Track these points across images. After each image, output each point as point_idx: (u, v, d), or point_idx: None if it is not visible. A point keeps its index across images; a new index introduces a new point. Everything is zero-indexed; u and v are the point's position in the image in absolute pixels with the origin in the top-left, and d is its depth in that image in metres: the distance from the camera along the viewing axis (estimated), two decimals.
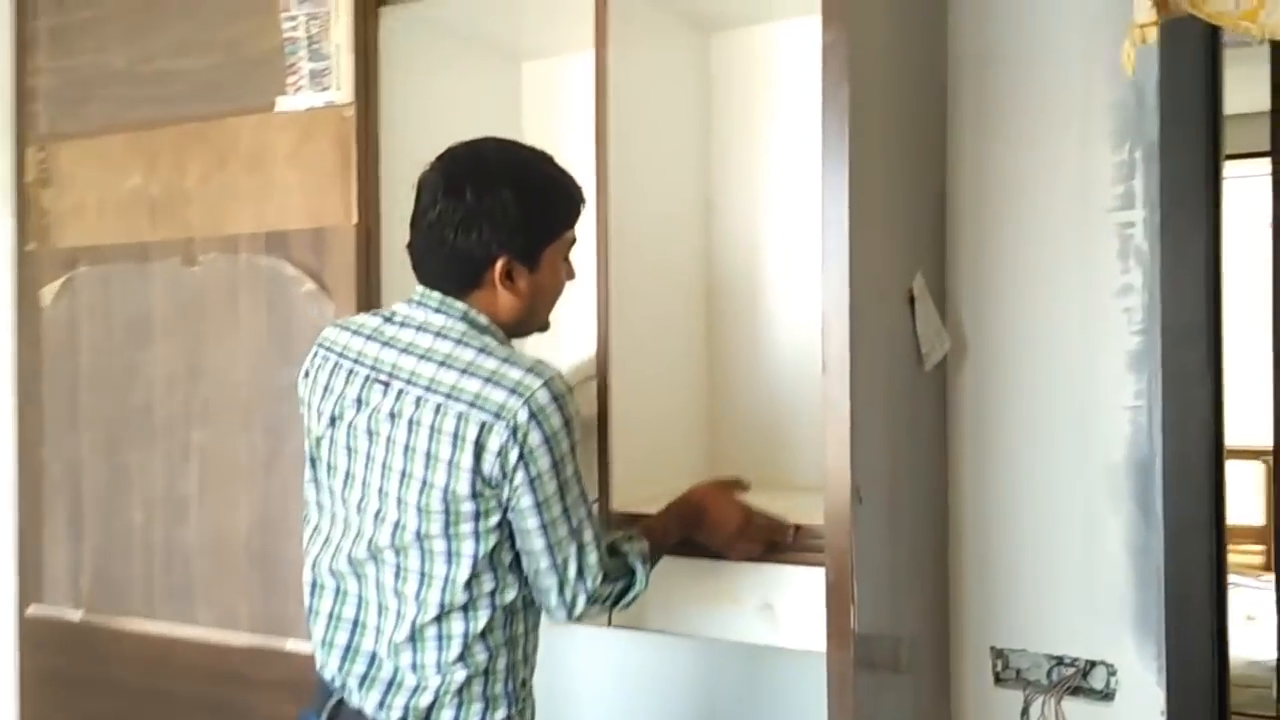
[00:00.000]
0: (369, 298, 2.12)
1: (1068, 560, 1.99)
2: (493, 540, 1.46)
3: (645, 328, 2.06)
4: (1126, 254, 1.95)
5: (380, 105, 2.14)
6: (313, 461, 1.60)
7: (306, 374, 1.64)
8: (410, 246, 1.59)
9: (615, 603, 1.63)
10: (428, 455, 1.44)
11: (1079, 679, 1.98)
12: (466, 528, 1.44)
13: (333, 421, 1.55)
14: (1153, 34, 1.53)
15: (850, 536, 1.62)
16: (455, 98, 2.34)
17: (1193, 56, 1.89)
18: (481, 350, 1.49)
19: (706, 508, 1.77)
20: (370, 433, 1.50)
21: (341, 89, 2.12)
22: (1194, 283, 1.89)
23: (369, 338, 1.57)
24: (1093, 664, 1.97)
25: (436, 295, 1.55)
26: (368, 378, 1.53)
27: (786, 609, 1.82)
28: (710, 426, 2.31)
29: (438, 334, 1.52)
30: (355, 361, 1.56)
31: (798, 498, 1.95)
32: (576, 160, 2.32)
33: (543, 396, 1.44)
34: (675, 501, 1.78)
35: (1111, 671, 1.96)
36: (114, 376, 2.43)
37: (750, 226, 2.28)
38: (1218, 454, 1.89)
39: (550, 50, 2.45)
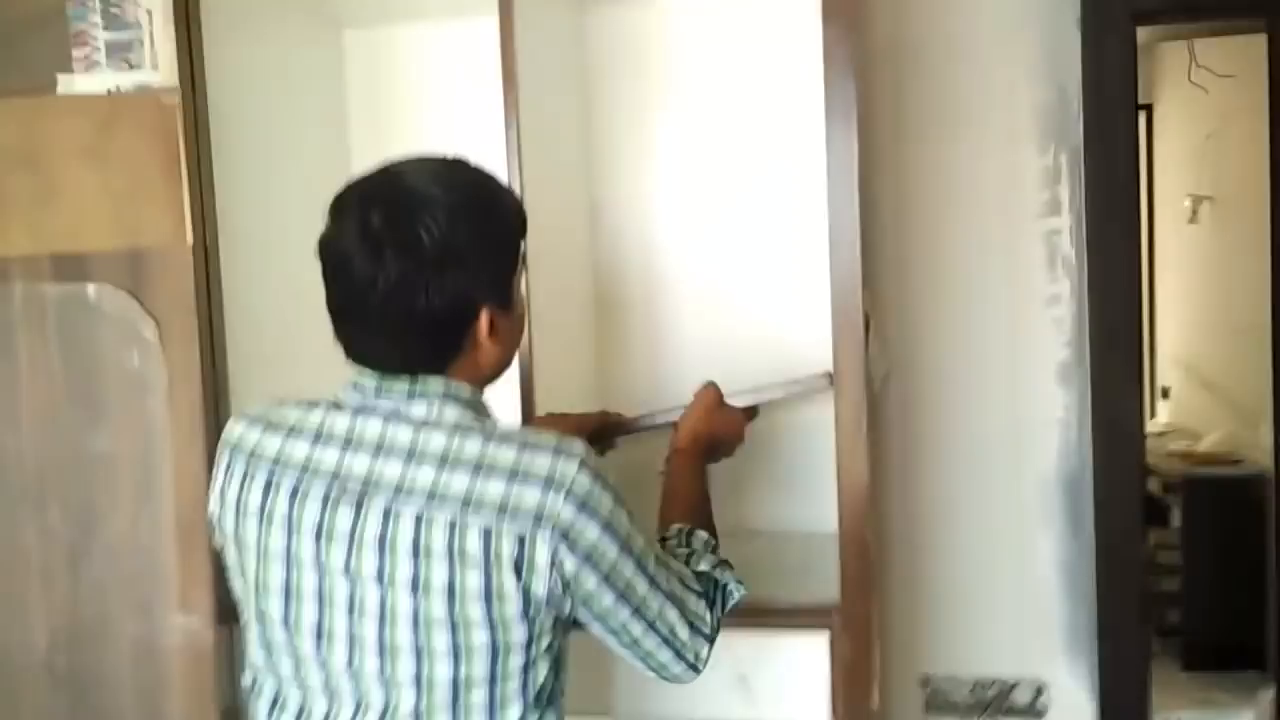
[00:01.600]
0: (214, 339, 1.69)
1: (999, 580, 1.95)
2: (543, 670, 1.16)
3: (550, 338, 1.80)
4: (1054, 262, 1.91)
5: (208, 88, 1.69)
6: (259, 614, 1.21)
7: (220, 493, 1.21)
8: (344, 333, 1.19)
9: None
10: (450, 590, 1.09)
11: (1009, 700, 1.96)
12: (515, 663, 1.13)
13: (286, 561, 1.16)
14: None
15: (875, 606, 1.47)
16: (281, 75, 1.91)
17: (1118, 55, 1.85)
18: (488, 437, 1.13)
19: (716, 435, 1.56)
20: (349, 573, 1.12)
21: (159, 68, 1.65)
22: (1122, 292, 1.89)
23: (316, 439, 1.17)
24: (1024, 684, 1.96)
25: (403, 378, 1.16)
26: (328, 496, 1.13)
27: (763, 682, 1.65)
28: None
29: (421, 425, 1.14)
30: (302, 472, 1.15)
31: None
32: (413, 139, 2.04)
33: (584, 481, 1.12)
34: (682, 453, 1.52)
35: (1043, 689, 1.95)
36: None
37: (640, 226, 2.03)
38: (1143, 467, 1.91)
39: (374, 19, 2.06)
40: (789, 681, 1.61)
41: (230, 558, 1.21)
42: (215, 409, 1.70)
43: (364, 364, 1.18)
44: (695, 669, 1.27)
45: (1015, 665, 1.97)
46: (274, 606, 1.16)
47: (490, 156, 1.91)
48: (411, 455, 1.12)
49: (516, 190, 1.65)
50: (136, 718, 1.75)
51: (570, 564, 1.10)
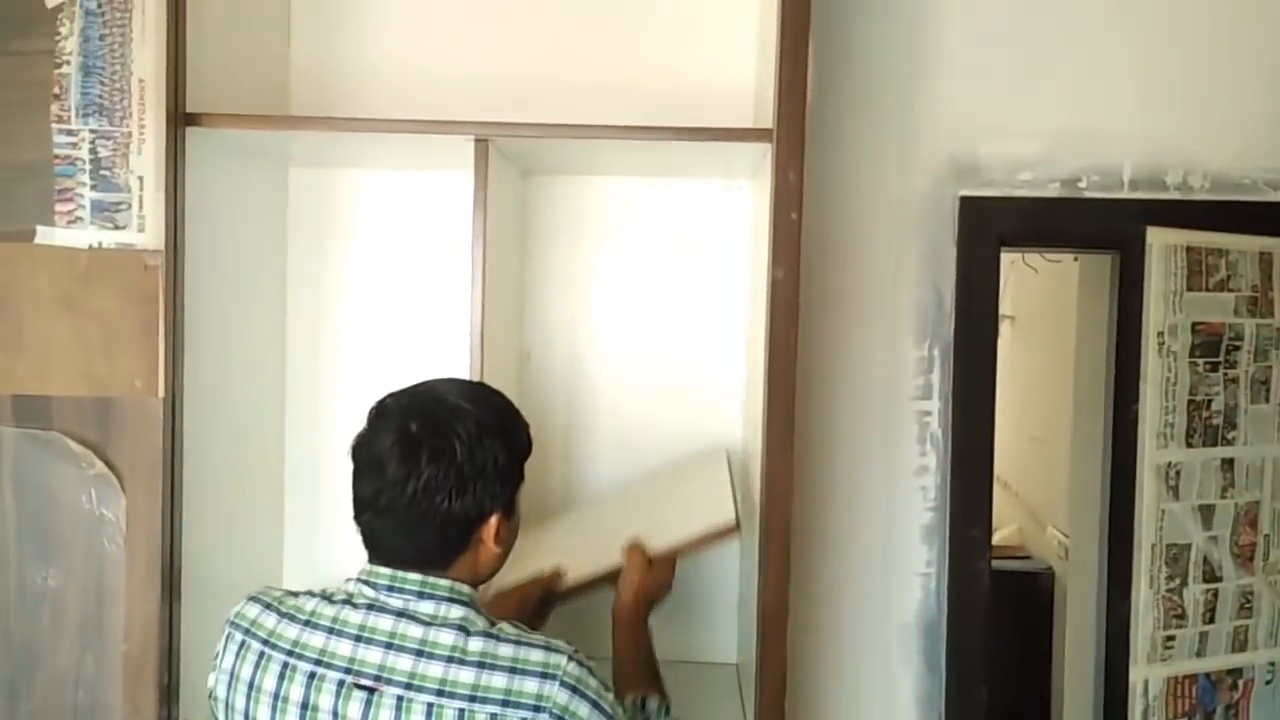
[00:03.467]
0: (174, 489, 1.77)
1: (867, 711, 2.22)
2: None
3: None
4: (924, 439, 2.21)
5: (185, 248, 1.78)
6: None
7: (230, 672, 1.34)
8: (368, 524, 1.36)
9: None
10: None
11: None
12: None
13: None
14: None
15: None
16: (244, 221, 2.01)
17: (985, 271, 2.18)
18: (488, 635, 1.32)
19: (650, 594, 1.72)
20: None
21: (146, 231, 1.73)
22: (978, 466, 2.20)
23: (331, 631, 1.31)
24: None
25: (414, 576, 1.34)
26: (342, 683, 1.28)
27: None
28: None
29: (429, 623, 1.31)
30: (317, 663, 1.29)
31: None
32: (352, 279, 2.18)
33: (573, 669, 1.31)
34: (624, 625, 1.69)
35: None
36: None
37: (565, 378, 2.22)
38: (988, 618, 2.22)
39: (322, 161, 2.18)
40: None
41: None
42: (171, 551, 1.78)
43: (377, 551, 1.36)
44: None
45: None
46: None
47: (427, 302, 2.12)
48: (422, 651, 1.29)
49: (473, 341, 1.84)
50: None
51: None
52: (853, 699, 2.22)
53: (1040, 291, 4.59)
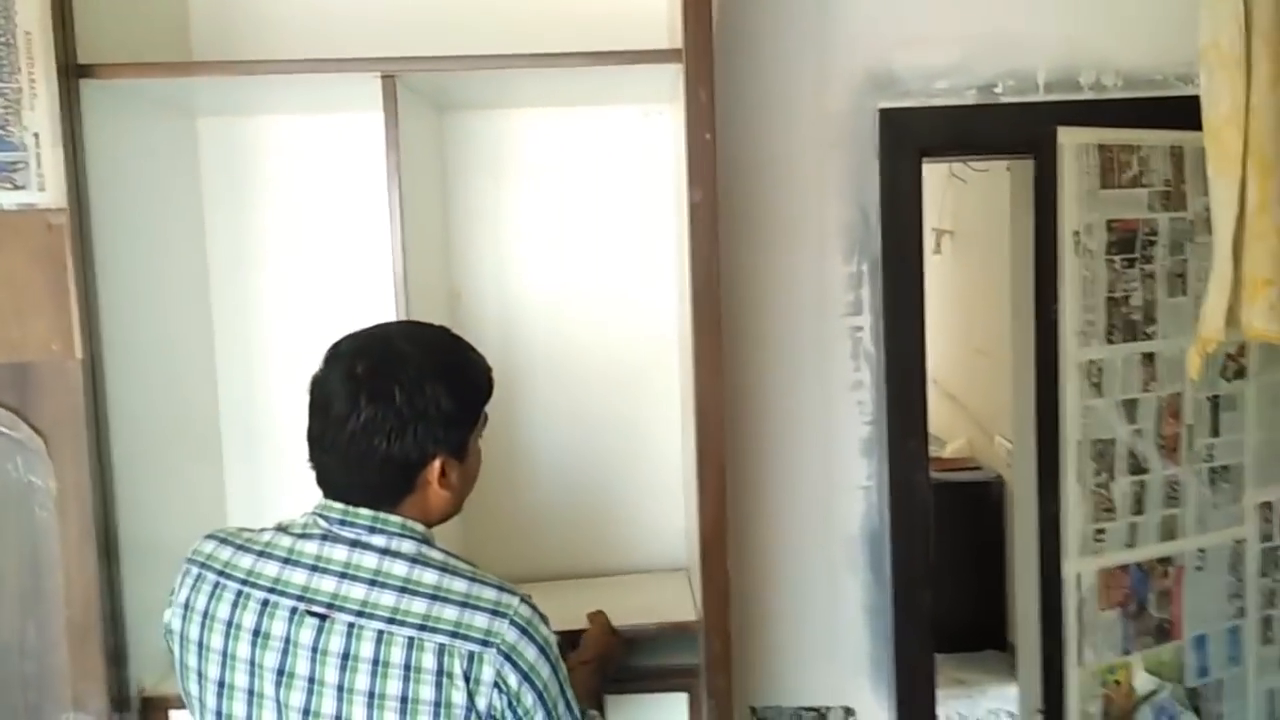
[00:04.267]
0: (101, 450, 1.75)
1: (815, 622, 2.26)
2: None
3: None
4: (858, 354, 2.23)
5: (91, 205, 1.74)
6: (216, 714, 1.31)
7: (185, 604, 1.34)
8: (318, 461, 1.36)
9: None
10: (404, 701, 1.26)
11: None
12: None
13: (250, 669, 1.30)
14: (1213, 346, 1.82)
15: (730, 679, 1.75)
16: (152, 174, 1.96)
17: (908, 184, 2.18)
18: (443, 570, 1.33)
19: (611, 655, 1.81)
20: (312, 682, 1.27)
21: (46, 189, 1.68)
22: (911, 378, 2.22)
23: (286, 560, 1.32)
24: (835, 710, 2.29)
25: (365, 511, 1.34)
26: (295, 610, 1.29)
27: None
28: (465, 532, 2.24)
29: (383, 553, 1.32)
30: (270, 590, 1.30)
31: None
32: (270, 226, 2.15)
33: (523, 609, 1.33)
34: (586, 664, 1.74)
35: (851, 713, 2.29)
36: None
37: (498, 315, 2.21)
38: (929, 528, 2.26)
39: (229, 108, 2.13)
40: None
41: (190, 662, 1.34)
42: (104, 517, 1.76)
43: (328, 488, 1.38)
44: None
45: (828, 694, 2.28)
46: (238, 709, 1.30)
47: (348, 245, 2.09)
48: (375, 580, 1.30)
49: (395, 281, 1.82)
50: None
51: (513, 680, 1.30)
52: (802, 611, 2.27)
53: (978, 205, 4.63)
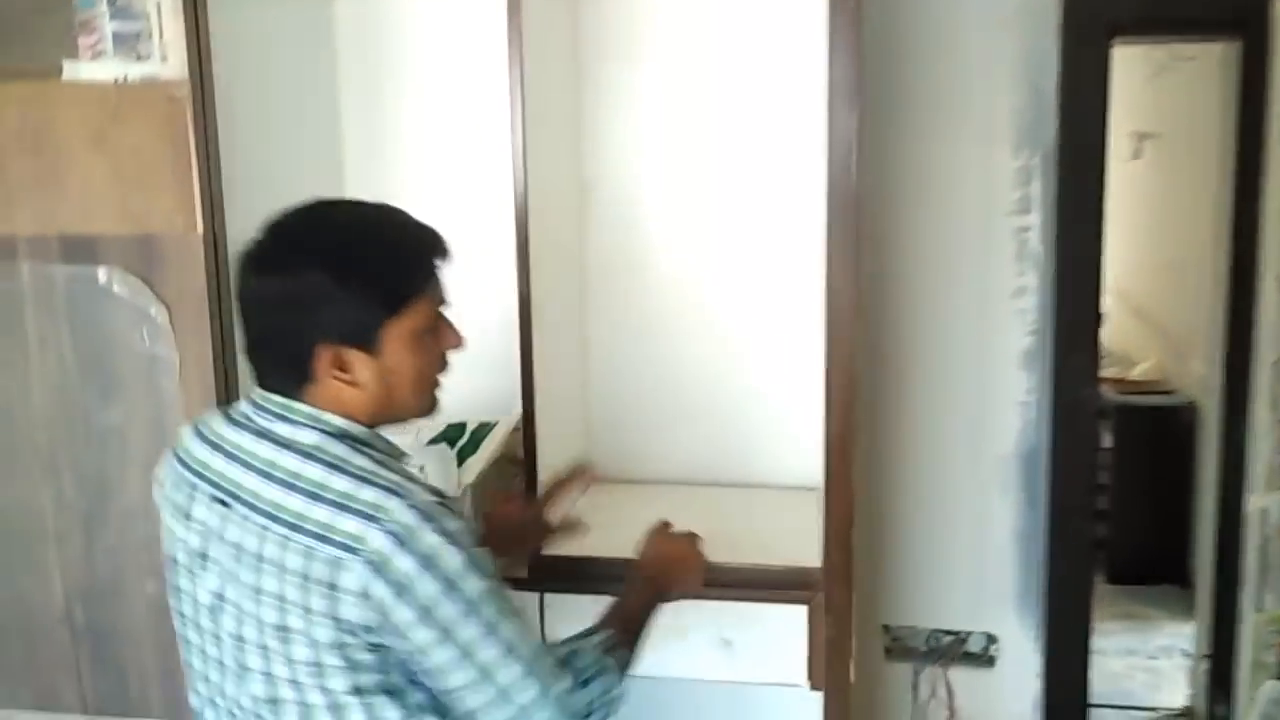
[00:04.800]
0: (223, 323, 1.74)
1: (958, 544, 2.11)
2: (384, 707, 1.21)
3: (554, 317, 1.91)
4: (1023, 257, 2.02)
5: (215, 85, 1.71)
6: (175, 588, 1.31)
7: (159, 482, 1.33)
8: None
9: (602, 710, 1.36)
10: (279, 599, 1.18)
11: (963, 648, 2.14)
12: (339, 684, 1.19)
13: (192, 553, 1.26)
14: None
15: (853, 591, 1.62)
16: (283, 51, 1.92)
17: (1092, 67, 1.93)
18: (333, 466, 1.20)
19: (668, 562, 1.58)
20: (222, 570, 1.22)
21: (169, 60, 1.66)
22: (1084, 287, 2.00)
23: (214, 446, 1.27)
24: (976, 635, 2.14)
25: (277, 398, 1.24)
26: (213, 496, 1.24)
27: (745, 646, 1.79)
28: (586, 420, 2.17)
29: (280, 444, 1.22)
30: (198, 476, 1.26)
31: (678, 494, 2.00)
32: (407, 113, 2.08)
33: (405, 515, 1.16)
34: (632, 574, 1.56)
35: (993, 640, 2.13)
36: None
37: (629, 208, 2.10)
38: (1096, 448, 2.06)
39: None
40: (771, 647, 1.74)
41: (165, 535, 1.31)
42: (225, 387, 1.77)
43: (255, 378, 1.28)
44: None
45: (969, 619, 2.14)
46: (183, 583, 1.28)
47: (474, 125, 2.01)
48: (266, 472, 1.21)
49: (515, 168, 1.73)
50: (155, 667, 1.87)
51: (381, 593, 1.15)
52: (946, 530, 2.12)
53: (1186, 103, 4.18)
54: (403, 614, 1.15)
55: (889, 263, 2.04)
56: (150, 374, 1.77)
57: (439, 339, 1.29)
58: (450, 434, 1.99)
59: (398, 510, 1.15)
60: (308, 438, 1.22)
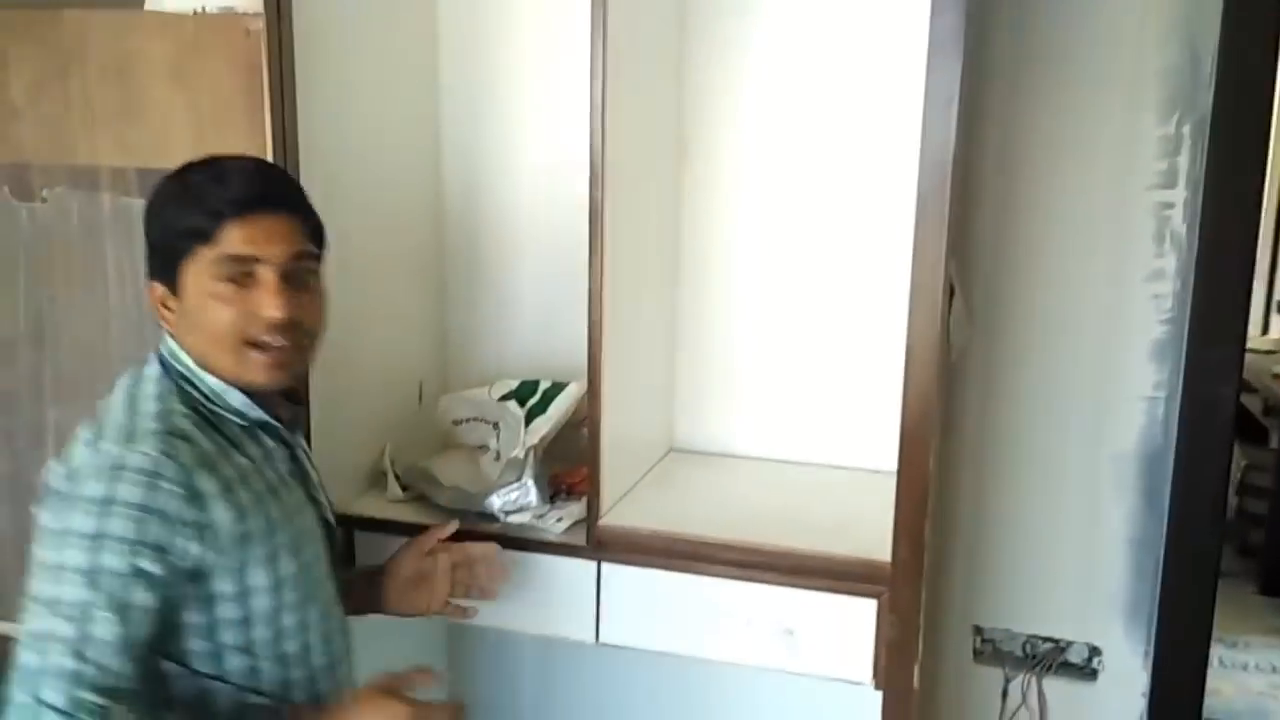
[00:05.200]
0: None
1: (1065, 546, 1.93)
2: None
3: (631, 282, 1.79)
4: (1163, 237, 1.80)
5: (293, 18, 1.64)
6: None
7: None
8: None
9: None
10: None
11: (1062, 656, 1.97)
12: None
13: None
14: None
15: (923, 590, 1.49)
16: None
17: (1261, 24, 1.69)
18: (109, 401, 1.30)
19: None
20: None
21: None
22: (1232, 275, 1.78)
23: None
24: (1078, 645, 1.96)
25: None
26: None
27: (809, 637, 1.67)
28: (670, 389, 2.07)
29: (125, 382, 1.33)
30: None
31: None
32: (498, 74, 1.99)
33: (81, 453, 1.20)
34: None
35: (1097, 652, 1.96)
36: None
37: (728, 171, 1.97)
38: (1230, 453, 1.84)
39: None
40: (836, 641, 1.62)
41: None
42: None
43: None
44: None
45: (1071, 627, 1.97)
46: None
47: (576, 75, 1.91)
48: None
49: (593, 121, 1.61)
50: None
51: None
52: (1050, 531, 1.94)
53: None
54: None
55: (1011, 236, 1.86)
56: None
57: (246, 298, 1.26)
58: (523, 392, 1.92)
59: (81, 443, 1.22)
60: (131, 372, 1.32)
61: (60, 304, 1.81)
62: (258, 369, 1.27)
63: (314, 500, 1.42)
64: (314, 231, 1.34)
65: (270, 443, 1.33)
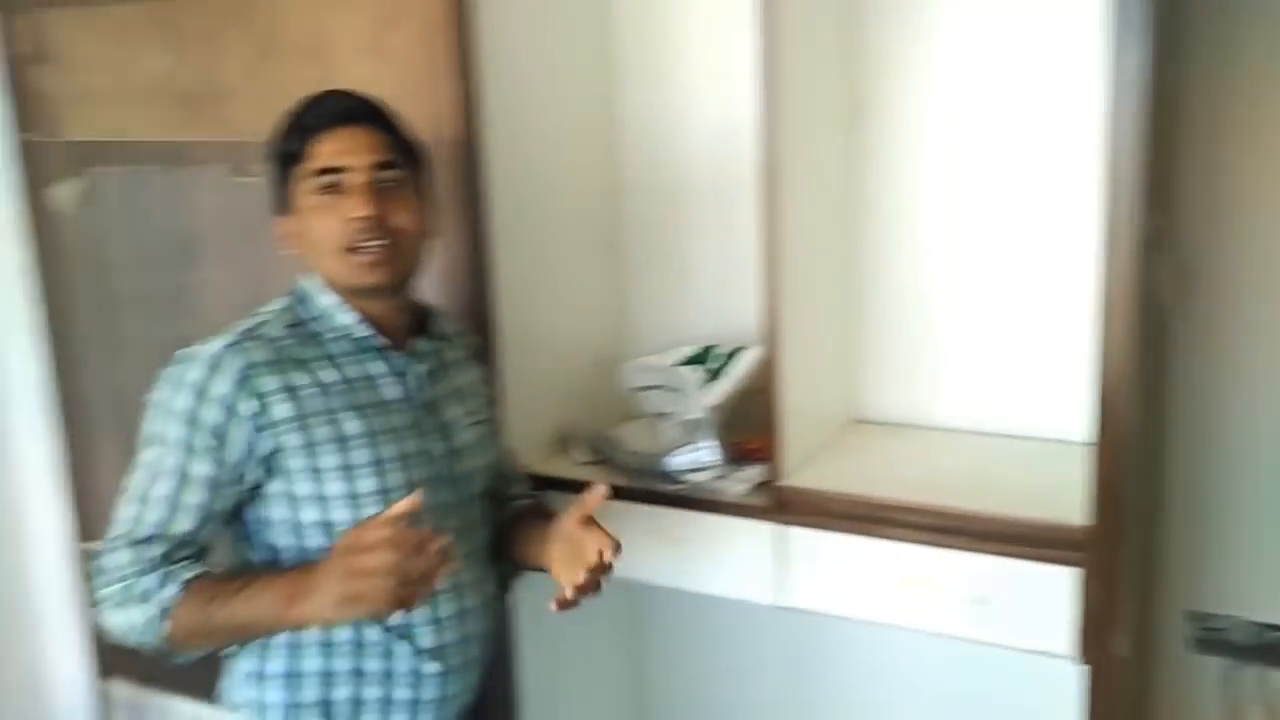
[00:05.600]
0: (477, 224, 1.76)
1: None
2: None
3: (804, 247, 1.75)
4: None
5: None
6: None
7: None
8: None
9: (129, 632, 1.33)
10: None
11: None
12: None
13: None
14: None
15: (1120, 555, 1.38)
16: None
17: None
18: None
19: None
20: None
21: None
22: None
23: None
24: None
25: None
26: None
27: (1004, 606, 1.58)
28: (851, 362, 2.02)
29: None
30: None
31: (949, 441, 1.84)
32: (677, 34, 1.99)
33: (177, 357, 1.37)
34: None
35: None
36: (158, 299, 2.08)
37: (911, 131, 1.90)
38: None
39: None
40: (1032, 611, 1.53)
41: None
42: (482, 279, 1.79)
43: None
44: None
45: None
46: None
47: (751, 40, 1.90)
48: None
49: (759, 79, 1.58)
50: None
51: None
52: (1272, 506, 1.77)
53: None
54: None
55: (1228, 184, 1.71)
56: None
57: (338, 205, 1.37)
58: (701, 358, 1.92)
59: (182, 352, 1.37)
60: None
61: (273, 273, 1.93)
62: (360, 270, 1.38)
63: (442, 427, 1.48)
64: (403, 147, 1.44)
65: (378, 366, 1.43)
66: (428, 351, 1.49)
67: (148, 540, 1.31)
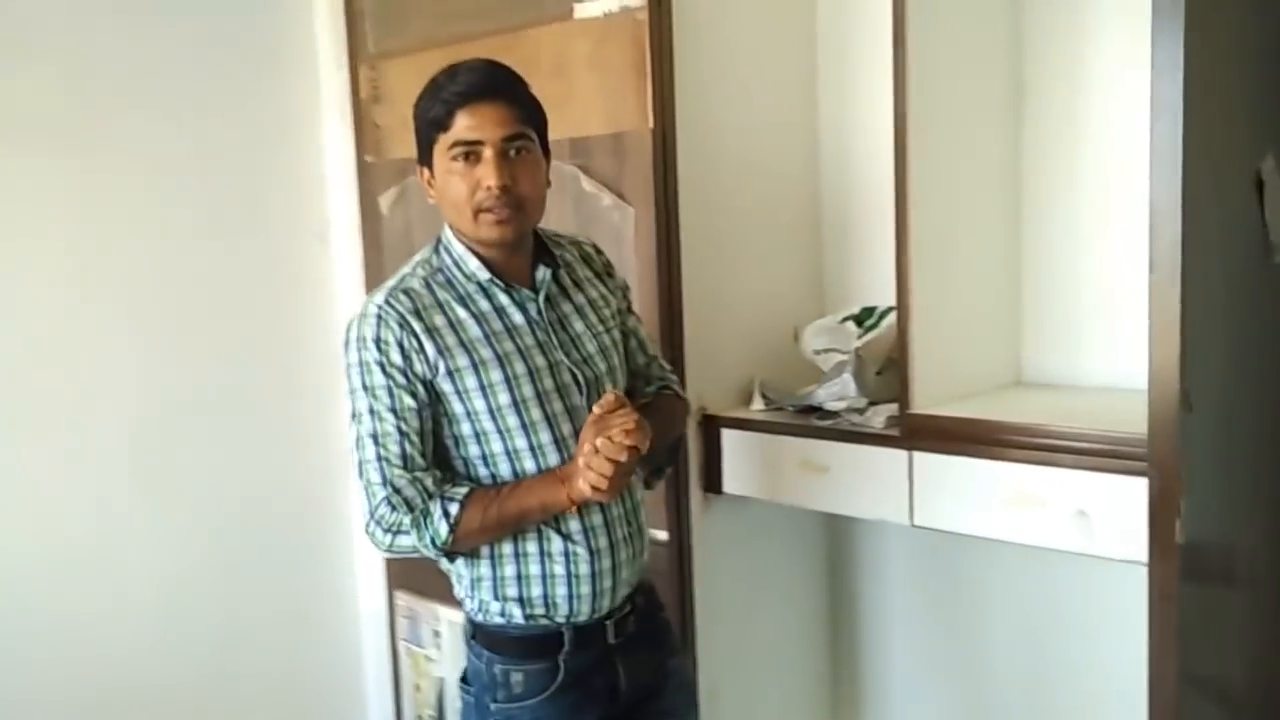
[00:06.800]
0: (666, 203, 2.15)
1: None
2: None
3: (949, 217, 2.00)
4: None
5: (673, 6, 2.12)
6: None
7: None
8: None
9: (417, 544, 1.61)
10: None
11: None
12: None
13: None
14: None
15: (1175, 447, 1.52)
16: None
17: None
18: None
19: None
20: None
21: None
22: None
23: None
24: None
25: None
26: None
27: (1101, 517, 1.72)
28: (1015, 324, 2.19)
29: None
30: None
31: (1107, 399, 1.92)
32: (874, 40, 2.28)
33: (355, 318, 1.63)
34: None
35: None
36: None
37: (1069, 113, 2.09)
38: None
39: None
40: (1131, 522, 1.65)
41: None
42: (668, 253, 2.17)
43: None
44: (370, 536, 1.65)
45: None
46: None
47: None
48: None
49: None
50: None
51: None
52: None
53: None
54: None
55: None
56: (618, 243, 2.23)
57: (473, 172, 1.59)
58: (863, 315, 2.18)
59: (359, 310, 1.65)
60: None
61: None
62: (489, 227, 1.61)
63: (572, 339, 1.70)
64: (528, 116, 1.65)
65: (505, 299, 1.66)
66: (546, 280, 1.69)
67: (407, 471, 1.60)
